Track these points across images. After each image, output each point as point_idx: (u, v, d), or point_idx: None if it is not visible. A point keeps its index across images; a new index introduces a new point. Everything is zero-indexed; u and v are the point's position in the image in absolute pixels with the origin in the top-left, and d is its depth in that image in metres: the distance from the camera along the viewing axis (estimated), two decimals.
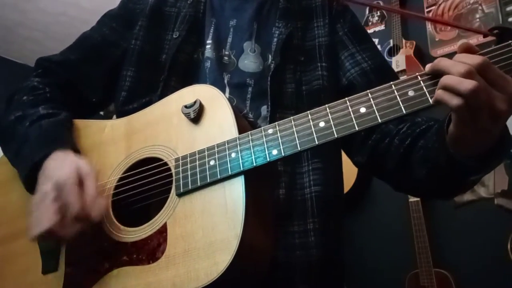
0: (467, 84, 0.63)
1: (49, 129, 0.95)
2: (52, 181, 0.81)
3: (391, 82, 0.73)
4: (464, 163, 0.73)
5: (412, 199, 2.46)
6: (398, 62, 2.76)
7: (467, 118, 0.66)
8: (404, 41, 2.81)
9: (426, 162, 0.84)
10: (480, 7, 2.65)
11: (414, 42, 2.78)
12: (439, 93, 0.66)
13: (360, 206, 2.80)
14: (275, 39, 1.05)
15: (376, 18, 3.13)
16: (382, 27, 3.08)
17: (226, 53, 1.05)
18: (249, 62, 1.04)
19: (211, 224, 0.74)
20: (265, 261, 0.79)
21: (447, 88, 0.65)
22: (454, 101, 0.65)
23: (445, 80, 0.66)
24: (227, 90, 1.00)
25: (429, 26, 2.82)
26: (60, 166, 0.84)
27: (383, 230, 2.68)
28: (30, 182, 0.89)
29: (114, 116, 1.08)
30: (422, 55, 2.76)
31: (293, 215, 0.91)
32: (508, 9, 2.54)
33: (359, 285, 2.58)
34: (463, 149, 0.73)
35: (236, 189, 0.75)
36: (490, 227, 2.33)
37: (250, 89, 1.00)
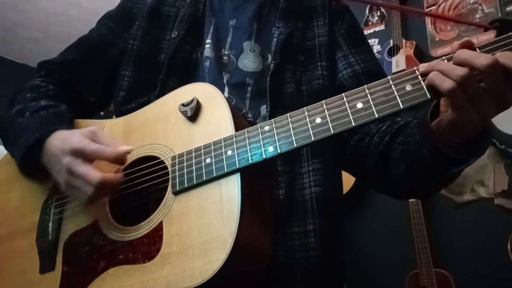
0: (459, 71, 0.65)
1: (49, 116, 0.95)
2: (67, 151, 0.82)
3: (389, 77, 0.72)
4: (447, 154, 0.73)
5: (412, 199, 2.46)
6: (398, 62, 2.76)
7: (463, 103, 0.66)
8: (404, 41, 2.81)
9: (405, 157, 0.84)
10: (480, 7, 2.65)
11: (414, 42, 2.78)
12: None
13: (360, 206, 2.80)
14: (275, 39, 1.05)
15: (376, 18, 3.13)
16: (382, 27, 3.08)
17: (226, 52, 1.05)
18: (248, 61, 1.03)
19: (206, 222, 0.74)
20: (263, 260, 0.79)
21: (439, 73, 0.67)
22: (445, 84, 0.65)
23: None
24: (226, 89, 1.00)
25: (429, 26, 2.82)
26: (68, 136, 0.85)
27: (383, 230, 2.68)
28: (26, 165, 0.90)
29: (114, 116, 1.08)
30: (422, 55, 2.76)
31: (293, 216, 0.91)
32: (508, 9, 2.54)
33: (359, 285, 2.58)
34: (451, 139, 0.73)
35: (232, 187, 0.75)
36: (490, 227, 2.32)
37: (249, 88, 1.00)
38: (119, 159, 0.81)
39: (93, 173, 0.79)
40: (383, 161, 0.91)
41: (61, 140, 0.86)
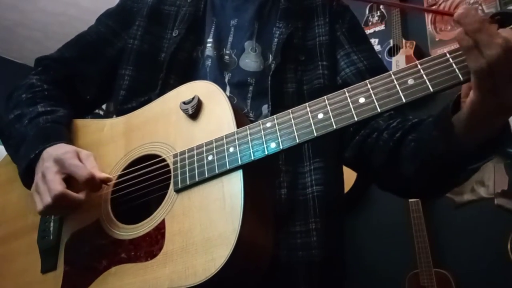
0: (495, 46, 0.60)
1: (47, 126, 0.95)
2: (52, 158, 0.84)
3: (390, 71, 0.72)
4: (467, 147, 0.71)
5: (412, 199, 2.46)
6: (398, 62, 2.76)
7: (488, 87, 0.63)
8: (404, 41, 2.81)
9: (418, 154, 0.82)
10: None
11: (414, 42, 2.78)
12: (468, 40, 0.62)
13: (360, 206, 2.79)
14: (276, 39, 1.05)
15: (376, 18, 3.13)
16: (382, 27, 3.08)
17: (227, 52, 1.05)
18: (250, 61, 1.03)
19: (209, 219, 0.74)
20: (265, 258, 0.78)
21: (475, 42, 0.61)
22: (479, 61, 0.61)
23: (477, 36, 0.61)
24: (228, 89, 1.00)
25: (429, 26, 2.82)
26: (58, 148, 0.87)
27: (383, 230, 2.68)
28: (27, 178, 0.90)
29: (114, 116, 1.08)
30: (422, 55, 2.75)
31: (295, 215, 0.91)
32: (508, 9, 2.54)
33: (359, 285, 2.57)
34: (470, 135, 0.70)
35: (235, 184, 0.75)
36: (490, 227, 2.32)
37: (251, 88, 1.00)
38: (90, 183, 0.83)
39: (57, 184, 0.81)
40: (393, 158, 0.89)
41: (55, 148, 0.88)
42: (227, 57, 1.05)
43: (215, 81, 0.96)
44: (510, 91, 0.63)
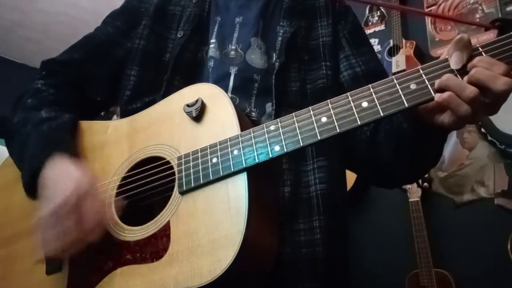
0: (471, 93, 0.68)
1: (49, 133, 0.95)
2: (52, 205, 0.80)
3: (393, 76, 0.73)
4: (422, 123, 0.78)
5: (412, 199, 2.46)
6: (398, 62, 2.76)
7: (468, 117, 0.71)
8: (404, 41, 2.81)
9: (390, 137, 0.90)
10: (480, 7, 2.65)
11: (414, 42, 2.78)
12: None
13: (360, 206, 2.80)
14: (280, 38, 1.05)
15: (376, 18, 3.13)
16: (382, 27, 3.08)
17: (233, 47, 1.05)
18: (255, 57, 1.04)
19: (214, 221, 0.74)
20: (270, 259, 0.79)
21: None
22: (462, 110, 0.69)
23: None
24: (230, 89, 1.00)
25: (429, 26, 2.82)
26: (58, 181, 0.83)
27: (383, 230, 2.68)
28: (31, 187, 0.90)
29: (115, 116, 1.08)
30: (422, 55, 2.76)
31: (298, 213, 0.91)
32: (508, 9, 2.54)
33: (359, 285, 2.58)
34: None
35: (239, 186, 0.75)
36: (490, 227, 2.33)
37: (256, 85, 1.01)
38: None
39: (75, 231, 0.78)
40: (371, 147, 0.96)
41: (52, 181, 0.85)
42: (232, 52, 1.05)
43: (217, 82, 0.97)
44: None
